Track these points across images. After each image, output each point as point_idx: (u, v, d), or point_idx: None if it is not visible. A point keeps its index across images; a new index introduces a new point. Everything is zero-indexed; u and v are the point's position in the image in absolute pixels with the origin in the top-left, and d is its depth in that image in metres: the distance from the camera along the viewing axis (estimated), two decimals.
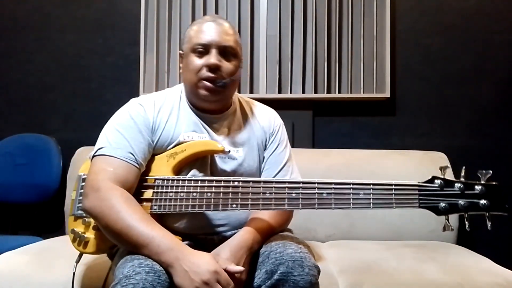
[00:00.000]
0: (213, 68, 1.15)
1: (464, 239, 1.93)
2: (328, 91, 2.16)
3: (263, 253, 1.06)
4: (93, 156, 1.13)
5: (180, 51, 1.26)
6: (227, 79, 1.17)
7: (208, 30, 1.18)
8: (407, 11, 2.22)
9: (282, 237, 1.11)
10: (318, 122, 2.24)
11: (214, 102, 1.20)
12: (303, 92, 2.17)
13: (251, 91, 2.19)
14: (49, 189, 2.17)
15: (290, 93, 2.17)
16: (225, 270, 0.98)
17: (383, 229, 1.87)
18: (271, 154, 1.28)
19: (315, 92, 2.17)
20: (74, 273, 1.25)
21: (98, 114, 2.22)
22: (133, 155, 1.11)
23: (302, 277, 0.97)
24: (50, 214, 2.28)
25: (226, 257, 1.02)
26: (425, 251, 1.62)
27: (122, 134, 1.14)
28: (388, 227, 1.87)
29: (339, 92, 2.16)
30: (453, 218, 1.84)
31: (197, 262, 0.96)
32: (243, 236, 1.08)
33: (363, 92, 2.15)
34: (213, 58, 1.15)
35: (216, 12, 2.21)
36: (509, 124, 2.17)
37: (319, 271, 1.02)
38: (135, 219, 1.01)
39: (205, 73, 1.16)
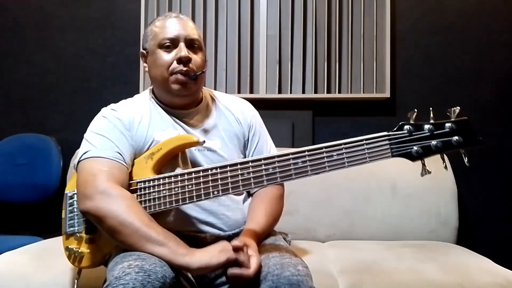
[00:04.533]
0: (184, 60, 1.15)
1: (464, 239, 1.93)
2: (328, 91, 2.16)
3: (260, 274, 1.03)
4: (79, 162, 1.12)
5: (143, 51, 1.25)
6: (198, 72, 1.18)
7: (174, 25, 1.18)
8: (407, 11, 2.21)
9: (279, 251, 1.09)
10: (318, 122, 2.24)
11: (186, 96, 1.20)
12: (303, 92, 2.17)
13: (251, 91, 2.19)
14: (49, 189, 2.17)
15: (290, 93, 2.17)
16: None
17: (383, 229, 1.86)
18: (255, 146, 1.30)
19: (315, 92, 2.17)
20: None
21: None
22: (121, 155, 1.11)
23: None
24: (50, 214, 2.27)
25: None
26: (425, 251, 1.62)
27: (105, 136, 1.14)
28: (388, 227, 1.86)
29: (339, 92, 2.16)
30: (453, 216, 1.85)
31: (205, 261, 0.97)
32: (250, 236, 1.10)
33: (363, 92, 2.15)
34: (183, 51, 1.16)
35: (216, 12, 2.21)
36: (509, 124, 2.17)
37: None
38: (148, 223, 1.01)
39: (177, 66, 1.16)
